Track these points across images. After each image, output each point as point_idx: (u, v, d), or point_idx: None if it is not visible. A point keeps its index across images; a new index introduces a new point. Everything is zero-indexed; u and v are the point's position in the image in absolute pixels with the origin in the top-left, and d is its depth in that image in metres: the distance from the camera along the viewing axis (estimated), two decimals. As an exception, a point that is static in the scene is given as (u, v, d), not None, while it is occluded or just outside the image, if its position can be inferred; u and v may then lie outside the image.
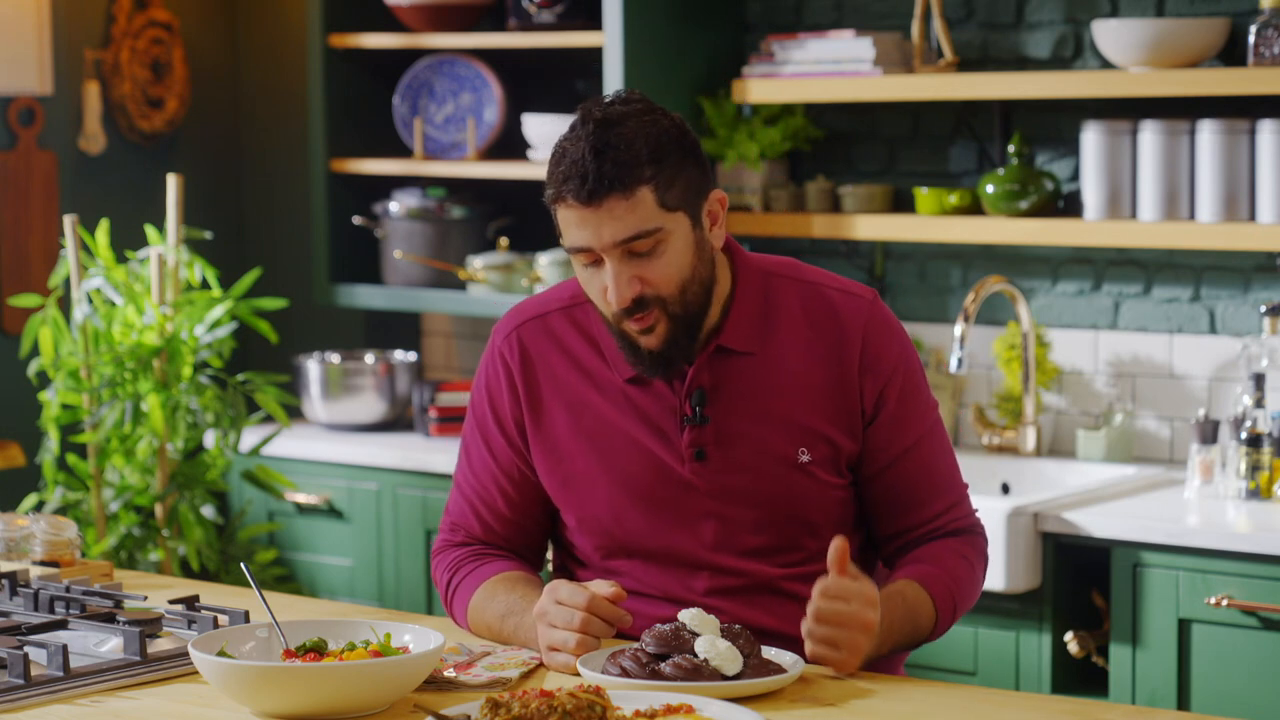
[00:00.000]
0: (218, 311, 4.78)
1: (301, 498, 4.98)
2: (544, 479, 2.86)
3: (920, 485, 2.82)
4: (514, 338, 2.88)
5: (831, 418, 2.78)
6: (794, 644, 2.75)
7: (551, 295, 2.91)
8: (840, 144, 4.82)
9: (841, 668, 2.60)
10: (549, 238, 5.18)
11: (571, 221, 2.70)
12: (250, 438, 4.94)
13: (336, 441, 5.00)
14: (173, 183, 4.84)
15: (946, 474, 2.85)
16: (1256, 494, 4.05)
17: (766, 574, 2.80)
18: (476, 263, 5.02)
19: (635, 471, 2.79)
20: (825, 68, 4.56)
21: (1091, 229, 4.32)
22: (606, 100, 2.72)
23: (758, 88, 4.62)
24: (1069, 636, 3.99)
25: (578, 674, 2.59)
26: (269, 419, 5.13)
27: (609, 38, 4.67)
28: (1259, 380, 4.10)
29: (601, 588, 2.65)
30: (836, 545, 2.60)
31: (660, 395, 2.80)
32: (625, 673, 2.53)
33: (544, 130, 4.94)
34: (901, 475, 2.81)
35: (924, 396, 2.84)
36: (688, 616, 2.58)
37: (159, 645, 2.70)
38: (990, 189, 4.44)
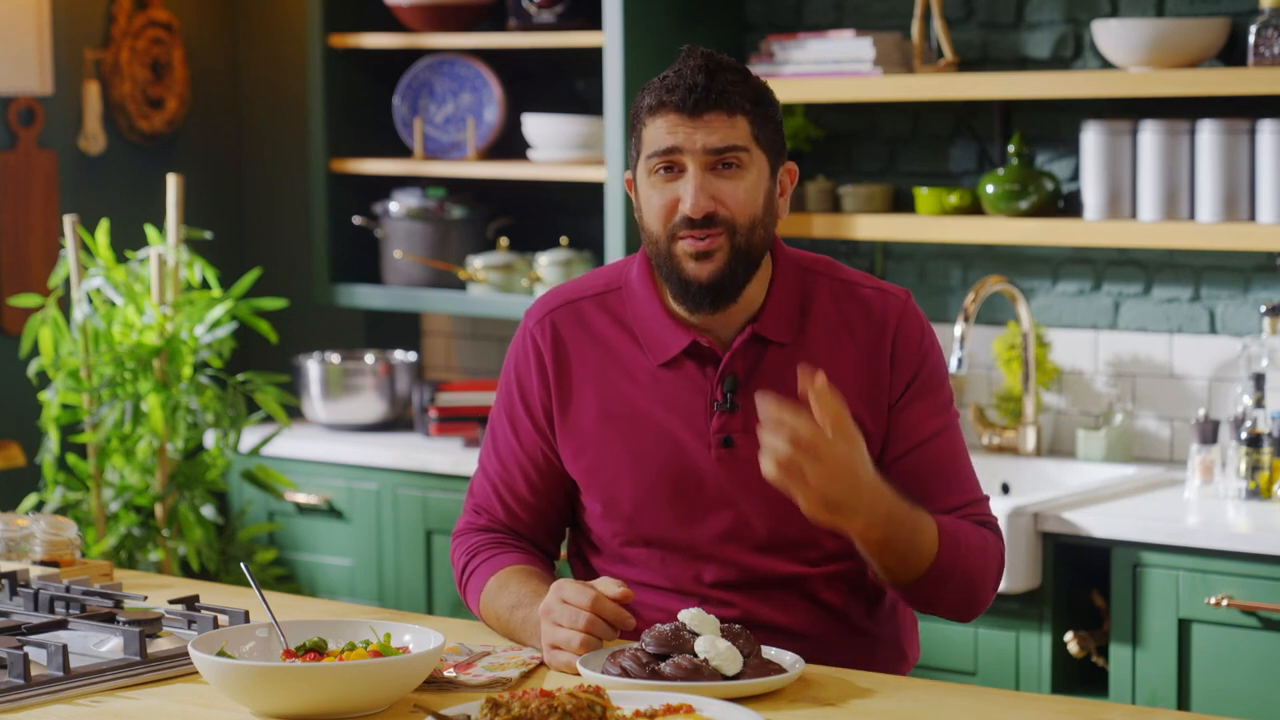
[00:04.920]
0: (218, 311, 4.78)
1: (301, 498, 4.98)
2: (569, 464, 2.87)
3: (935, 477, 2.81)
4: (547, 322, 2.89)
5: (863, 404, 2.79)
6: (806, 642, 2.75)
7: (584, 283, 2.92)
8: (840, 144, 4.82)
9: (806, 498, 2.56)
10: (549, 238, 5.19)
11: (664, 129, 2.73)
12: (250, 438, 4.94)
13: (336, 441, 5.00)
14: (173, 183, 4.84)
15: (964, 473, 2.85)
16: (1256, 494, 4.05)
17: (782, 570, 2.80)
18: (476, 263, 5.02)
19: (660, 458, 2.80)
20: (825, 68, 4.56)
21: (1091, 229, 4.32)
22: (704, 48, 2.77)
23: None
24: (1069, 636, 3.99)
25: (578, 673, 2.59)
26: (269, 419, 5.13)
27: (609, 38, 4.67)
28: (1259, 380, 4.10)
29: (608, 587, 2.65)
30: (816, 377, 2.57)
31: (692, 380, 2.81)
32: (625, 673, 2.53)
33: (544, 130, 4.94)
34: (918, 464, 2.80)
35: (946, 398, 2.85)
36: (688, 616, 2.58)
37: (159, 645, 2.69)
38: (990, 189, 4.45)
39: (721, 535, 2.80)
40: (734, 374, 2.80)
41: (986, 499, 2.87)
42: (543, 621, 2.67)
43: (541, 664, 2.68)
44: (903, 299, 2.85)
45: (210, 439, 4.85)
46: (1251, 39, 4.14)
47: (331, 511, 4.96)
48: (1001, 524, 3.89)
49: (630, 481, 2.82)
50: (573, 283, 2.94)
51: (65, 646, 2.58)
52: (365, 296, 5.20)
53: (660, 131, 2.72)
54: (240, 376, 4.83)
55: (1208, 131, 4.20)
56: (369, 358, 5.23)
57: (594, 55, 4.91)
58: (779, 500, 2.79)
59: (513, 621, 2.78)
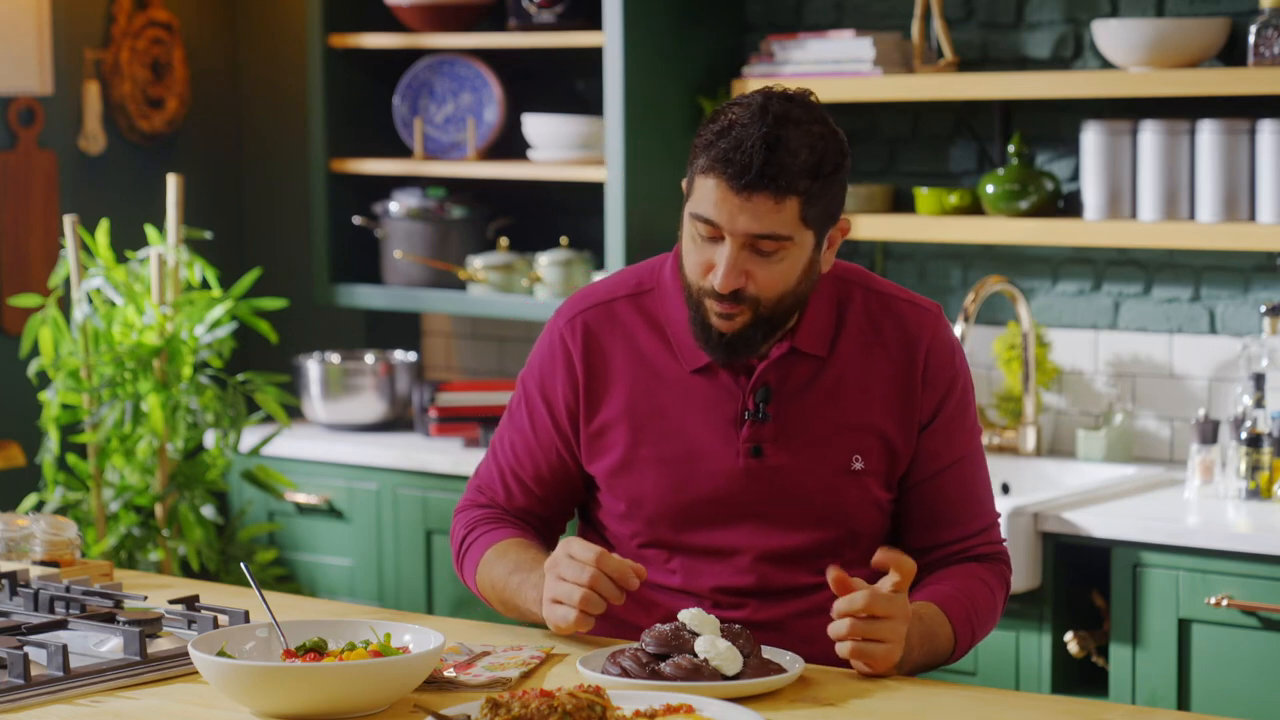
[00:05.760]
0: (218, 311, 4.78)
1: (301, 498, 4.98)
2: (594, 464, 2.85)
3: (957, 503, 2.85)
4: (577, 322, 2.87)
5: (892, 419, 2.80)
6: (814, 647, 2.75)
7: (616, 282, 2.90)
8: (840, 144, 4.82)
9: (888, 659, 2.59)
10: (549, 238, 5.19)
11: (712, 195, 2.68)
12: (250, 438, 4.94)
13: (336, 441, 5.00)
14: (173, 183, 4.84)
15: (983, 498, 2.88)
16: (1256, 494, 4.05)
17: (799, 581, 2.80)
18: (476, 263, 5.02)
19: (688, 464, 2.80)
20: (825, 68, 4.56)
21: (1091, 229, 4.32)
22: (787, 95, 2.72)
23: (758, 88, 4.61)
24: (1069, 636, 3.99)
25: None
26: (269, 419, 5.13)
27: (609, 38, 4.67)
28: (1259, 380, 4.10)
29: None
30: (835, 579, 2.61)
31: (725, 388, 2.80)
32: (625, 673, 2.53)
33: (544, 130, 4.93)
34: (941, 489, 2.83)
35: (972, 418, 2.87)
36: (688, 616, 2.58)
37: (159, 645, 2.69)
38: (990, 189, 4.45)
39: (744, 544, 2.79)
40: (767, 384, 2.79)
41: (998, 518, 2.91)
42: (547, 575, 2.67)
43: (542, 664, 2.67)
44: (935, 314, 2.85)
45: (210, 439, 4.85)
46: (1251, 39, 4.14)
47: (331, 511, 4.96)
48: (1002, 524, 3.91)
49: (655, 485, 2.81)
50: (603, 282, 2.91)
51: (65, 646, 2.58)
52: (365, 296, 5.20)
53: (707, 197, 2.68)
54: (240, 376, 4.83)
55: (1208, 131, 4.20)
56: (369, 358, 5.23)
57: (594, 55, 4.91)
58: (804, 511, 2.79)
59: (509, 586, 2.78)
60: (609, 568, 2.63)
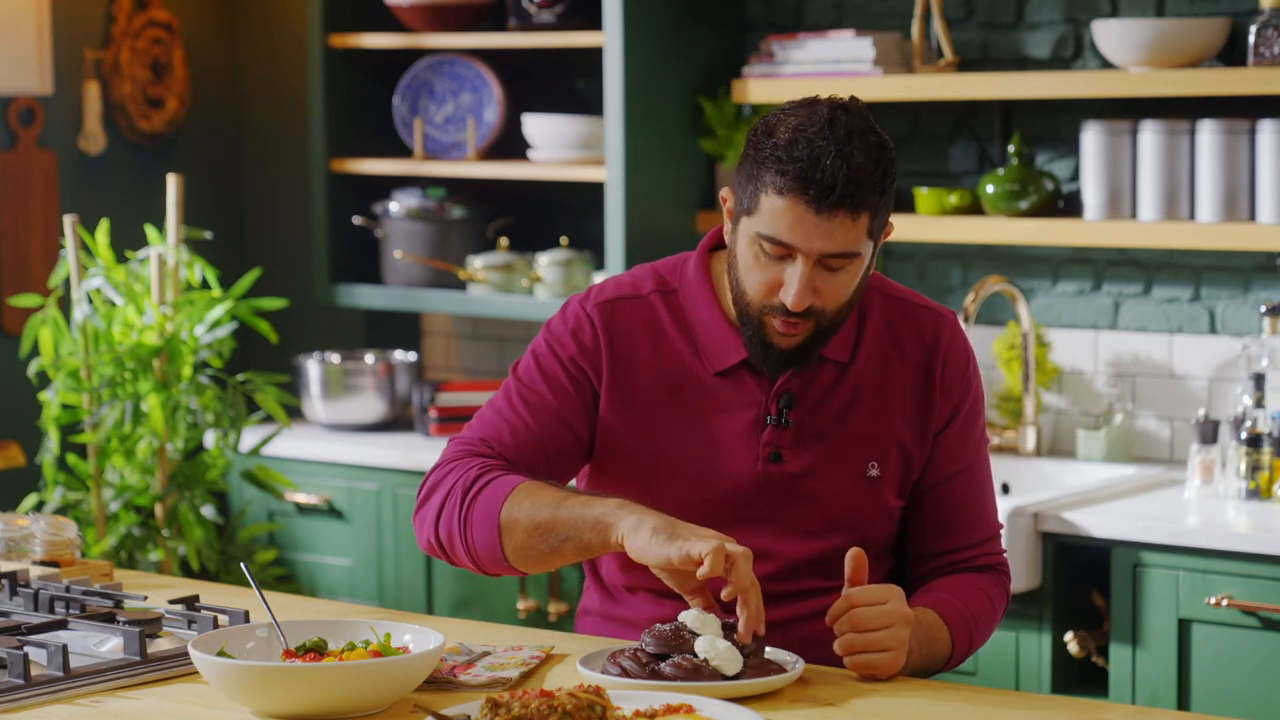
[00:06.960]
0: (218, 311, 4.78)
1: (301, 498, 4.98)
2: (608, 457, 2.82)
3: (963, 511, 2.85)
4: (606, 308, 2.81)
5: (909, 426, 2.81)
6: (819, 650, 2.74)
7: (640, 277, 2.86)
8: (840, 144, 4.81)
9: (893, 666, 2.60)
10: (549, 238, 5.19)
11: (786, 216, 2.63)
12: (250, 438, 4.94)
13: (336, 441, 5.00)
14: (173, 183, 4.84)
15: (988, 507, 2.88)
16: (1256, 494, 4.05)
17: (807, 586, 2.80)
18: (476, 263, 5.03)
19: (704, 466, 2.78)
20: (825, 68, 4.56)
21: (1091, 229, 4.32)
22: (844, 105, 2.68)
23: (758, 88, 4.62)
24: (1069, 636, 3.99)
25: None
26: (269, 419, 5.13)
27: (609, 38, 4.67)
28: (1259, 380, 4.10)
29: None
30: (854, 555, 2.61)
31: (747, 392, 2.79)
32: (625, 673, 2.53)
33: (544, 130, 4.93)
34: (949, 496, 2.84)
35: (981, 427, 2.88)
36: (688, 617, 2.57)
37: (159, 645, 2.69)
38: (990, 189, 4.45)
39: (756, 548, 2.76)
40: (789, 390, 2.79)
41: (1000, 529, 2.91)
42: (714, 538, 2.53)
43: (542, 664, 2.67)
44: (951, 320, 2.85)
45: (210, 439, 4.85)
46: (1251, 39, 4.14)
47: (331, 511, 4.96)
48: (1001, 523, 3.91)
49: (670, 485, 2.79)
50: (627, 276, 2.87)
51: (65, 646, 2.58)
52: (365, 296, 5.20)
53: (780, 218, 2.63)
54: (240, 376, 4.83)
55: (1208, 131, 4.20)
56: (369, 358, 5.23)
57: (594, 55, 4.91)
58: (818, 518, 2.78)
59: (562, 508, 2.64)
60: (757, 601, 2.55)
